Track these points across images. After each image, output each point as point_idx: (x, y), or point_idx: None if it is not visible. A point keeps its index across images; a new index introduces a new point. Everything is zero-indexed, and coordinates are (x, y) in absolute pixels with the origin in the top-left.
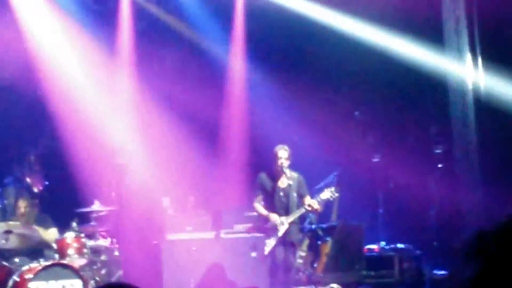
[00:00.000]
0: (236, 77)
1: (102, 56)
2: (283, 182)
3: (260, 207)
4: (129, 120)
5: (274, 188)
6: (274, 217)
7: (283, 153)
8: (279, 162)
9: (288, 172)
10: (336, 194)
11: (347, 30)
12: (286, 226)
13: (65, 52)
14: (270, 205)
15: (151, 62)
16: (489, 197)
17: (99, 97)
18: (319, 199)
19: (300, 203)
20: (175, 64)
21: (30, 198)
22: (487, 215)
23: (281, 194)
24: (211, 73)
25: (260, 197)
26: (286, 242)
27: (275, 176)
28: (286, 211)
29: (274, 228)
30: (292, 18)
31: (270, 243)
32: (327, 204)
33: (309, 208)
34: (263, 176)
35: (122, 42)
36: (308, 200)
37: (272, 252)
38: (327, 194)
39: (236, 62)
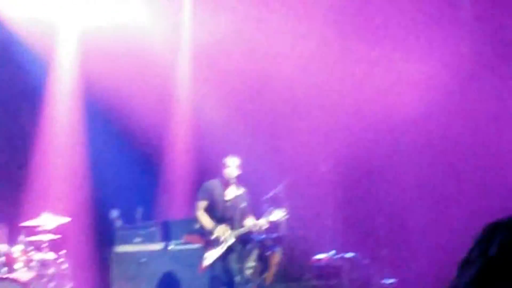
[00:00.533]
0: (182, 90)
1: None
2: (230, 193)
3: (205, 217)
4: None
5: (221, 197)
6: (221, 229)
7: (233, 162)
8: (228, 171)
9: (236, 183)
10: (285, 215)
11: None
12: (233, 240)
13: None
14: (214, 215)
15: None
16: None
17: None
18: (268, 219)
19: (243, 218)
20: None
21: None
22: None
23: (228, 204)
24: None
25: (204, 205)
26: (228, 256)
27: (222, 185)
28: (231, 223)
29: (216, 241)
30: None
31: (211, 255)
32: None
33: (257, 229)
34: (211, 183)
35: None
36: (255, 221)
37: (212, 265)
38: (278, 215)
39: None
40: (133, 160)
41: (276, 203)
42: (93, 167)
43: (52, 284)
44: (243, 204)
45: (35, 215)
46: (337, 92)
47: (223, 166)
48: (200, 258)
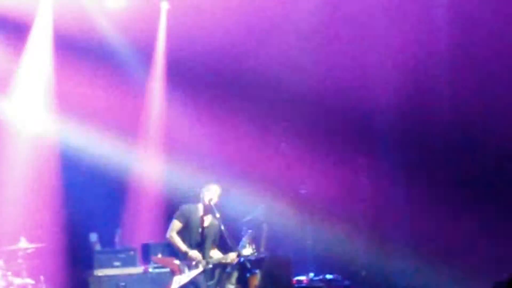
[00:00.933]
0: (155, 107)
1: None
2: (207, 220)
3: (178, 239)
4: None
5: (198, 223)
6: (195, 254)
7: (215, 190)
8: (209, 198)
9: (213, 211)
10: (256, 253)
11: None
12: (201, 270)
13: None
14: (188, 239)
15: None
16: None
17: None
18: (240, 253)
19: (215, 247)
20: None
21: None
22: (414, 245)
23: (204, 231)
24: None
25: (179, 227)
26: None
27: (201, 211)
28: (202, 250)
29: (188, 266)
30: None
31: (180, 280)
32: (255, 236)
33: (229, 262)
34: (190, 207)
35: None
36: (225, 255)
37: None
38: (249, 251)
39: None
40: (111, 184)
41: (254, 225)
42: (71, 191)
43: None
44: (218, 233)
45: (13, 240)
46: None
47: (204, 192)
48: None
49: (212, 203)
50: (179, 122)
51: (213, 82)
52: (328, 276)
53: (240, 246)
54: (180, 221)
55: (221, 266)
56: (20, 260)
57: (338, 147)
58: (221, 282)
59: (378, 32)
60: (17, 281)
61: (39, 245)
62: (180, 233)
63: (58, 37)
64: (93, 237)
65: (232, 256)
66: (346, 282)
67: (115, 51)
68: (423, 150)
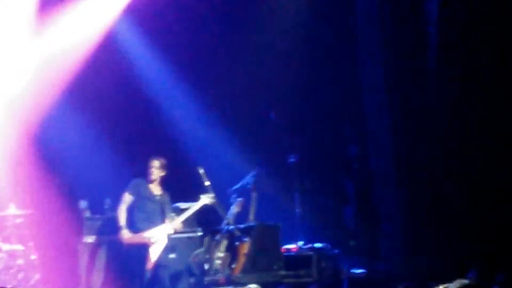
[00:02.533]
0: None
1: None
2: (156, 191)
3: (123, 213)
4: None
5: (148, 194)
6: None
7: (157, 164)
8: (153, 171)
9: (159, 183)
10: (214, 200)
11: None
12: (165, 239)
13: None
14: (142, 210)
15: None
16: (403, 195)
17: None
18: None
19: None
20: None
21: None
22: (402, 212)
23: (156, 200)
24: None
25: (130, 199)
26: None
27: (147, 183)
28: (158, 218)
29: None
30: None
31: (156, 249)
32: (245, 204)
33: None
34: (138, 180)
35: None
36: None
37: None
38: (205, 200)
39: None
40: (102, 150)
41: (244, 193)
42: (62, 157)
43: (20, 275)
44: (168, 203)
45: (3, 207)
46: None
47: (149, 167)
48: (168, 249)
49: (157, 176)
50: None
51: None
52: (317, 245)
53: (229, 214)
54: (131, 193)
55: (210, 233)
56: (9, 227)
57: (327, 116)
58: (210, 250)
59: None
60: (6, 247)
61: (29, 211)
62: (134, 205)
63: None
64: (83, 204)
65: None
66: (335, 251)
67: None
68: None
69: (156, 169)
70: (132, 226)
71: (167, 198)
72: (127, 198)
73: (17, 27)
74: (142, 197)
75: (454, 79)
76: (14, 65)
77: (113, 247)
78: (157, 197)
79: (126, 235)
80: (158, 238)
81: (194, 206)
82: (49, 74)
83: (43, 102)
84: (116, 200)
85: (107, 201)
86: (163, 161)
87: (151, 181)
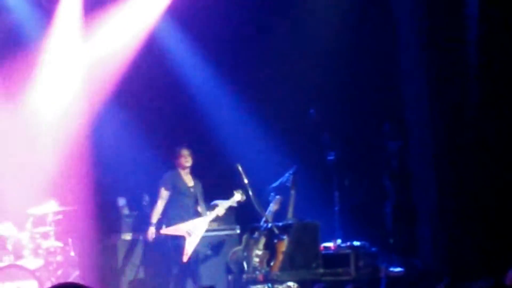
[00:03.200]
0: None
1: None
2: (189, 181)
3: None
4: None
5: (184, 185)
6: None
7: (187, 153)
8: (184, 160)
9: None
10: (245, 197)
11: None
12: (204, 229)
13: None
14: (179, 203)
15: None
16: (443, 193)
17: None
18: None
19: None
20: None
21: None
22: (441, 211)
23: (191, 191)
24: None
25: (167, 194)
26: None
27: (181, 174)
28: (195, 210)
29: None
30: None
31: (192, 241)
32: (283, 202)
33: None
34: (172, 173)
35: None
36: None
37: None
38: (238, 196)
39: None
40: (141, 147)
41: (282, 191)
42: (100, 154)
43: (59, 272)
44: (200, 192)
45: (43, 202)
46: None
47: (179, 156)
48: (206, 247)
49: (188, 165)
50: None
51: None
52: (355, 243)
53: (267, 211)
54: (167, 188)
55: (249, 231)
56: (49, 223)
57: (366, 113)
58: (248, 248)
59: None
60: (45, 244)
61: (68, 208)
62: (171, 198)
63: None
64: (121, 201)
65: (224, 205)
66: (373, 249)
67: None
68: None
69: (190, 156)
70: (168, 222)
71: (199, 187)
72: (164, 194)
73: (66, 33)
74: (178, 192)
75: (496, 77)
76: (65, 69)
77: (149, 243)
78: (191, 189)
79: (152, 234)
80: (193, 231)
81: (227, 203)
82: (98, 76)
83: (91, 102)
84: (154, 196)
85: (146, 198)
86: (190, 149)
87: (185, 170)
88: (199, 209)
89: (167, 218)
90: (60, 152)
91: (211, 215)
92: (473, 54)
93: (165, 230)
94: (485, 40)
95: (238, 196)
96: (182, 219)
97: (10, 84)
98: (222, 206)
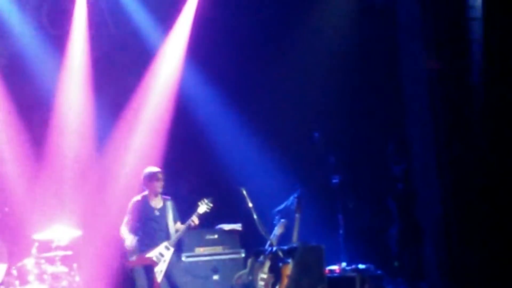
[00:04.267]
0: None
1: None
2: (158, 204)
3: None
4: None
5: (150, 213)
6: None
7: (162, 175)
8: (159, 184)
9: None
10: (211, 205)
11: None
12: (171, 252)
13: None
14: (145, 228)
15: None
16: (448, 215)
17: None
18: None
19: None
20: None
21: None
22: (446, 234)
23: (157, 215)
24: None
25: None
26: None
27: (149, 198)
28: (162, 234)
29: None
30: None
31: (161, 268)
32: (288, 225)
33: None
34: (137, 198)
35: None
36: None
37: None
38: (203, 207)
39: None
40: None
41: (287, 215)
42: (108, 178)
43: None
44: (172, 210)
45: (47, 226)
46: None
47: (154, 179)
48: (210, 271)
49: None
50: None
51: (241, 70)
52: (361, 266)
53: (272, 235)
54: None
55: (253, 255)
56: (54, 248)
57: (371, 135)
58: (253, 271)
59: None
60: (51, 269)
61: (74, 233)
62: (137, 224)
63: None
64: None
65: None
66: (379, 272)
67: None
68: (455, 135)
69: (163, 181)
70: (134, 250)
71: (169, 206)
72: (126, 220)
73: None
74: (144, 217)
75: (501, 96)
76: None
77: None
78: (157, 213)
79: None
80: (160, 257)
81: (191, 220)
82: None
83: None
84: None
85: None
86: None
87: (157, 195)
88: (171, 230)
89: (136, 246)
90: (65, 177)
91: (175, 235)
92: (476, 75)
93: (131, 262)
94: (489, 61)
95: (202, 208)
96: (148, 246)
97: None
98: (184, 226)
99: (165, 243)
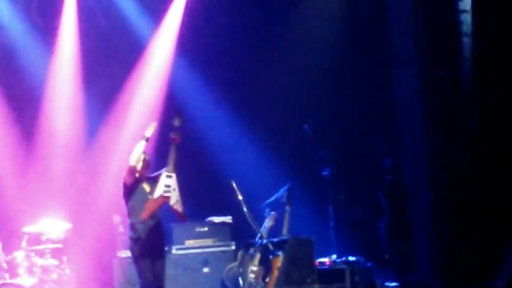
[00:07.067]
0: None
1: None
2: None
3: None
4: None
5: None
6: None
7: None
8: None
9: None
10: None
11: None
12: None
13: None
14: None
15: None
16: (438, 208)
17: None
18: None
19: None
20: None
21: None
22: (436, 225)
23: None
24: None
25: None
26: None
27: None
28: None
29: None
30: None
31: (173, 196)
32: (278, 218)
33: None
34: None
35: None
36: None
37: None
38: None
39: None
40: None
41: (277, 207)
42: (98, 171)
43: None
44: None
45: (37, 219)
46: None
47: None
48: (201, 264)
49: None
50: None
51: (231, 64)
52: (351, 258)
53: (262, 227)
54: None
55: (244, 247)
56: (44, 241)
57: (361, 129)
58: (243, 264)
59: None
60: (41, 262)
61: (64, 226)
62: None
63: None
64: (117, 218)
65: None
66: (369, 264)
67: None
68: (445, 127)
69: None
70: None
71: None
72: None
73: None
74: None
75: (490, 90)
76: None
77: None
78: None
79: None
80: (168, 189)
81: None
82: None
83: None
84: None
85: None
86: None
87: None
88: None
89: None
90: (55, 169)
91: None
92: (467, 72)
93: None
94: (479, 55)
95: (177, 121)
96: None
97: None
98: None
99: (165, 173)
